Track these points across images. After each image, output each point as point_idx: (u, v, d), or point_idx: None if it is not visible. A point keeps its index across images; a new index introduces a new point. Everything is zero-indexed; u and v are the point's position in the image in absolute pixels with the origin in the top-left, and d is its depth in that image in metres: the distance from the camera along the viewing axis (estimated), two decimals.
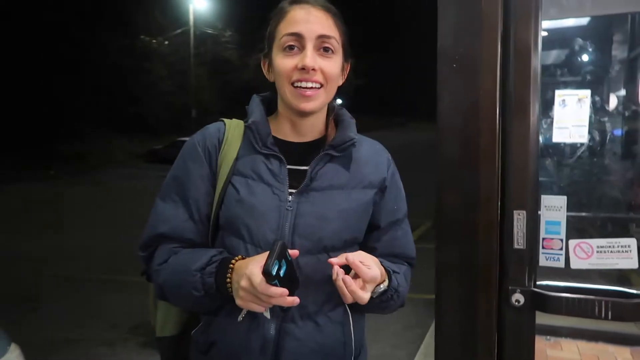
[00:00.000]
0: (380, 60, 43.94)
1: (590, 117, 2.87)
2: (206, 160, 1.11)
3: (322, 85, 1.07)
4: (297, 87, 1.05)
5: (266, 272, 0.88)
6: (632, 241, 1.88)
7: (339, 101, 1.27)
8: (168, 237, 1.09)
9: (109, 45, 23.99)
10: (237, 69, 33.28)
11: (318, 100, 1.08)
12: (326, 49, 1.07)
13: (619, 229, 3.28)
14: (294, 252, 0.97)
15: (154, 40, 28.60)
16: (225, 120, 1.20)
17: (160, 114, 25.74)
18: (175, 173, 1.15)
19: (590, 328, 3.32)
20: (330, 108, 1.21)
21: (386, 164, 1.20)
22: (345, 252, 1.04)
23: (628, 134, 4.66)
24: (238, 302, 0.96)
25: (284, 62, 1.06)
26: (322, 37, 1.06)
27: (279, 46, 1.07)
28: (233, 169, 1.07)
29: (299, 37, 1.04)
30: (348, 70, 1.19)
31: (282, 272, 0.89)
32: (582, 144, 4.35)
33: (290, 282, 0.93)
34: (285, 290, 0.90)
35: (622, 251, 1.79)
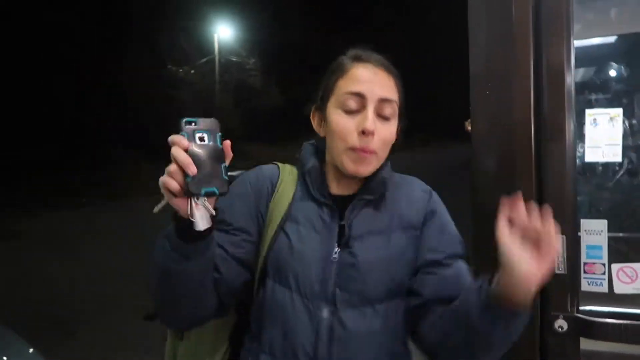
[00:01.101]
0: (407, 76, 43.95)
1: (625, 135, 2.81)
2: (254, 200, 1.10)
3: (376, 152, 1.05)
4: (353, 149, 1.02)
5: (183, 120, 0.83)
6: None
7: None
8: None
9: (138, 74, 24.78)
10: (261, 95, 33.90)
11: (371, 166, 1.06)
12: (385, 115, 1.04)
13: None
14: (226, 143, 0.90)
15: (181, 69, 29.41)
16: (279, 164, 1.21)
17: None
18: (219, 205, 1.12)
19: (635, 353, 3.19)
20: None
21: (424, 200, 1.12)
22: (391, 303, 1.00)
23: None
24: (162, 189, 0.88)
25: (343, 123, 1.02)
26: (383, 101, 1.03)
27: (338, 103, 1.03)
28: (286, 215, 1.05)
29: (361, 97, 1.00)
30: (400, 130, 1.14)
31: (204, 140, 0.81)
32: (619, 164, 4.28)
33: (212, 160, 0.85)
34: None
35: None
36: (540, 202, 1.21)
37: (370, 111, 1.00)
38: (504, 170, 1.23)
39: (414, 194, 1.12)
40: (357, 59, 1.04)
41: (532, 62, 1.23)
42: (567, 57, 1.24)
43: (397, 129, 1.11)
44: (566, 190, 1.20)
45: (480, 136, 1.24)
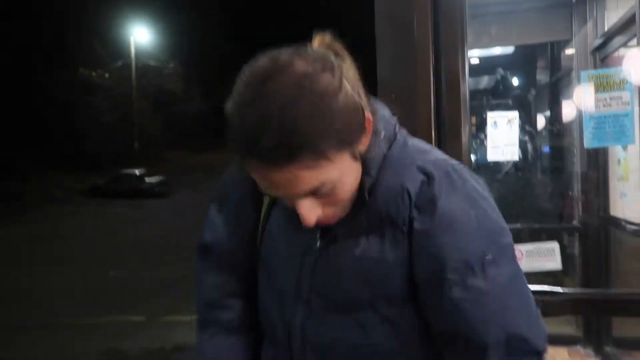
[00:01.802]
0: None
1: (520, 136, 3.10)
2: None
3: (336, 207, 0.79)
4: None
5: None
6: (555, 245, 2.09)
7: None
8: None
9: (46, 78, 23.21)
10: (182, 101, 33.01)
11: (337, 216, 0.80)
12: (320, 192, 0.73)
13: (549, 238, 3.54)
14: None
15: (94, 73, 27.94)
16: None
17: (102, 148, 24.98)
18: None
19: None
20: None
21: (416, 187, 0.77)
22: (379, 312, 0.79)
23: (554, 151, 5.09)
24: None
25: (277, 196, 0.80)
26: (307, 192, 0.72)
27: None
28: (267, 214, 0.90)
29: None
30: (369, 125, 0.77)
31: None
32: (514, 162, 4.66)
33: None
34: None
35: (547, 254, 1.98)
36: None
37: (302, 203, 0.73)
38: None
39: (402, 182, 0.79)
40: (242, 153, 0.72)
41: (432, 70, 1.37)
42: (462, 66, 1.40)
43: (353, 151, 0.75)
44: None
45: None
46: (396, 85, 1.36)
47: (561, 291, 1.44)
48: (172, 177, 22.75)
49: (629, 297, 1.65)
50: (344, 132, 0.71)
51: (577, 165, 3.53)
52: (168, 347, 4.36)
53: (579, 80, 2.17)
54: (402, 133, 0.85)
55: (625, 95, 1.91)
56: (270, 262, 0.89)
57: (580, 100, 2.33)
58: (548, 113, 5.03)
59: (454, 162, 0.82)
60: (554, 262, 1.84)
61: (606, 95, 1.97)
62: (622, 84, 1.92)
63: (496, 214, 0.78)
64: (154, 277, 7.34)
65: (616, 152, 3.11)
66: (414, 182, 0.77)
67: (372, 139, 0.78)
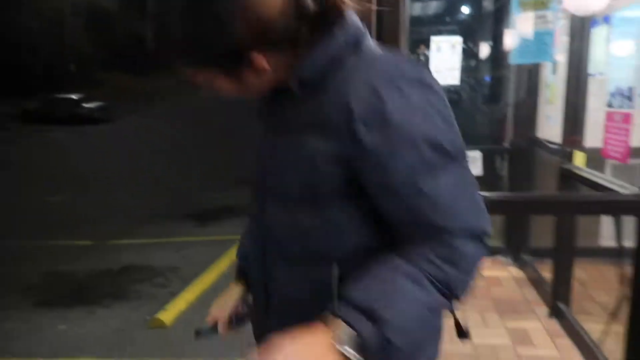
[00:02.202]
0: None
1: (462, 62, 3.16)
2: None
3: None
4: None
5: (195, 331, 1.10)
6: (478, 153, 2.28)
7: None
8: None
9: None
10: (119, 20, 30.77)
11: (264, 87, 0.84)
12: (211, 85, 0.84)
13: (484, 158, 3.77)
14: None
15: None
16: None
17: (34, 72, 23.23)
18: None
19: None
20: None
21: (361, 97, 0.75)
22: (314, 208, 0.82)
23: (494, 78, 5.27)
24: None
25: None
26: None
27: None
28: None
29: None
30: (259, 61, 0.77)
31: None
32: (454, 86, 4.77)
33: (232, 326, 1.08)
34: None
35: (471, 162, 2.17)
36: None
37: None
38: None
39: (352, 90, 0.76)
40: None
41: None
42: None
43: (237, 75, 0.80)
44: None
45: None
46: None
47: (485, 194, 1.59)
48: (112, 101, 21.72)
49: (535, 198, 1.84)
50: (211, 57, 0.78)
51: (511, 91, 3.71)
52: (115, 268, 4.41)
53: (512, 3, 2.23)
54: (368, 43, 0.82)
55: (549, 14, 2.00)
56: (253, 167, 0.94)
57: (513, 21, 2.42)
58: (491, 42, 5.15)
59: (409, 70, 0.78)
60: (477, 169, 2.04)
61: (532, 14, 2.06)
62: (548, 3, 2.01)
63: (446, 123, 0.76)
64: (97, 203, 7.24)
65: (546, 76, 3.28)
66: (361, 96, 0.74)
67: (320, 38, 0.78)
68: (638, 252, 1.44)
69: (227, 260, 4.46)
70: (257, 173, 0.90)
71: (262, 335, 0.92)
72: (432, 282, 0.72)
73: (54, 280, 4.21)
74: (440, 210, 0.73)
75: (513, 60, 2.15)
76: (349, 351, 0.67)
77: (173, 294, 3.69)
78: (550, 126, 3.16)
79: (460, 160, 0.77)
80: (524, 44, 2.08)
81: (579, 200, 1.85)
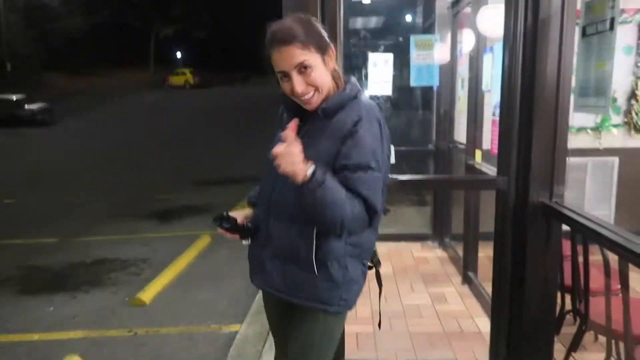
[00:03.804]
0: (225, 13, 42.94)
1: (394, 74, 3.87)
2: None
3: (315, 89, 1.38)
4: (298, 97, 1.40)
5: (213, 219, 1.48)
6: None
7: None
8: None
9: None
10: (61, 17, 29.79)
11: (317, 101, 1.40)
12: (305, 67, 1.35)
13: (414, 158, 4.49)
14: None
15: None
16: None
17: None
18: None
19: (394, 232, 4.63)
20: (336, 76, 1.46)
21: (353, 121, 1.37)
22: None
23: (423, 89, 6.08)
24: None
25: (284, 86, 1.40)
26: (297, 65, 1.34)
27: (277, 74, 1.41)
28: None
29: (284, 72, 1.37)
30: (333, 53, 1.43)
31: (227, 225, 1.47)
32: (388, 97, 5.56)
33: (238, 231, 1.49)
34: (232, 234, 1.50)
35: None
36: None
37: (294, 77, 1.35)
38: None
39: (348, 117, 1.38)
40: (269, 46, 1.38)
41: (319, 14, 1.98)
42: (339, 12, 2.01)
43: (326, 57, 1.40)
44: None
45: None
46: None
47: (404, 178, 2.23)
48: (53, 102, 21.16)
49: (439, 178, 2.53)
50: (317, 42, 1.38)
51: (434, 101, 4.46)
52: (88, 260, 4.78)
53: (410, 43, 3.07)
54: (361, 95, 1.46)
55: (431, 53, 2.78)
56: (268, 158, 1.37)
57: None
58: None
59: (375, 112, 1.42)
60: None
61: (423, 52, 2.81)
62: (431, 45, 2.76)
63: (381, 145, 1.39)
64: (53, 204, 7.44)
65: (458, 90, 4.04)
66: (357, 116, 1.37)
67: (340, 84, 1.46)
68: (496, 217, 2.16)
69: (195, 250, 4.95)
70: (270, 162, 1.34)
71: (256, 261, 1.53)
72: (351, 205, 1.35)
73: (31, 272, 4.54)
74: (366, 189, 1.35)
75: (412, 83, 3.00)
76: (310, 169, 1.28)
77: (147, 280, 4.15)
78: (461, 131, 3.92)
79: (379, 169, 1.37)
80: (418, 71, 2.88)
81: (453, 180, 2.62)
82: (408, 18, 6.49)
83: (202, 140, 14.71)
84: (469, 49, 3.37)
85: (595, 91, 1.56)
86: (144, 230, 5.87)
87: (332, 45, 1.42)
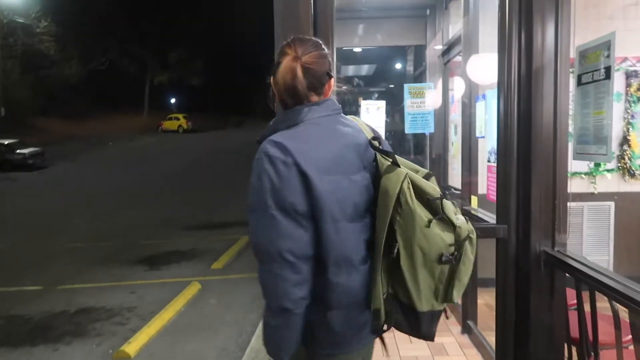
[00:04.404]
0: (219, 58, 43.89)
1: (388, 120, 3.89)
2: None
3: None
4: None
5: None
6: None
7: None
8: None
9: None
10: (57, 64, 30.27)
11: None
12: None
13: None
14: None
15: None
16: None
17: None
18: None
19: None
20: None
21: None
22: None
23: (415, 135, 6.12)
24: None
25: None
26: None
27: None
28: None
29: None
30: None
31: None
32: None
33: None
34: None
35: None
36: None
37: None
38: None
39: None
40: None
41: None
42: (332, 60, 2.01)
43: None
44: None
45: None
46: None
47: None
48: (46, 147, 21.17)
49: None
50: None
51: (427, 147, 4.47)
52: (71, 310, 4.60)
53: (404, 91, 3.09)
54: (276, 130, 1.35)
55: (424, 101, 2.78)
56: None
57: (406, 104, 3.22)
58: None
59: (264, 146, 1.29)
60: None
61: (417, 100, 2.82)
62: (425, 93, 2.78)
63: (259, 180, 1.28)
64: (40, 250, 7.26)
65: (451, 136, 4.05)
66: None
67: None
68: (497, 266, 2.08)
69: (184, 298, 4.78)
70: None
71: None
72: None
73: (12, 322, 4.35)
74: (250, 232, 1.30)
75: (407, 130, 3.01)
76: None
77: (133, 331, 3.98)
78: (455, 176, 3.90)
79: (265, 209, 1.23)
80: (413, 119, 2.87)
81: None
82: (399, 66, 6.62)
83: (193, 184, 14.64)
84: (461, 96, 3.40)
85: (595, 139, 1.54)
86: (131, 277, 5.70)
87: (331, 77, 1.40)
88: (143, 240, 7.73)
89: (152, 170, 18.10)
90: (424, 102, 2.88)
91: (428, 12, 4.19)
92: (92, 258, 6.64)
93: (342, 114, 1.38)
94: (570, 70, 1.84)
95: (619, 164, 4.07)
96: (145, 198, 12.35)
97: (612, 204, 4.09)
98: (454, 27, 3.96)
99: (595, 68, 1.53)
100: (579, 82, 1.65)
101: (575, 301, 2.05)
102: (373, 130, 1.41)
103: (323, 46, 1.37)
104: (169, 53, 38.66)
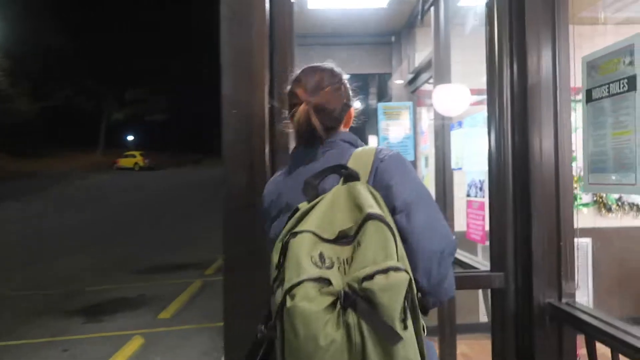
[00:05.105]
0: (177, 97, 43.45)
1: None
2: None
3: None
4: None
5: None
6: None
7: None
8: None
9: None
10: (7, 100, 29.01)
11: None
12: None
13: None
14: None
15: None
16: None
17: None
18: None
19: None
20: None
21: None
22: None
23: None
24: None
25: None
26: None
27: None
28: None
29: None
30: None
31: None
32: None
33: None
34: None
35: None
36: None
37: None
38: (254, 180, 1.61)
39: None
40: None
41: (266, 92, 1.64)
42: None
43: None
44: None
45: (230, 150, 1.62)
46: (237, 102, 1.61)
47: None
48: None
49: None
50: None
51: None
52: None
53: (378, 112, 2.73)
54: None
55: (404, 123, 2.45)
56: None
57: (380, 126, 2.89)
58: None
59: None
60: None
61: (393, 122, 2.49)
62: (403, 114, 2.45)
63: None
64: None
65: (421, 169, 3.77)
66: None
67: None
68: (493, 321, 1.73)
69: (122, 357, 4.18)
70: None
71: None
72: None
73: None
74: None
75: None
76: None
77: None
78: None
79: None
80: (389, 146, 2.51)
81: None
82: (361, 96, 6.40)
83: (148, 224, 13.88)
84: (432, 125, 3.13)
85: (617, 165, 1.24)
86: (68, 331, 5.03)
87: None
88: (89, 286, 7.01)
89: (105, 209, 17.12)
90: (403, 124, 2.52)
91: (393, 38, 3.97)
92: (30, 309, 5.91)
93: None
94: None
95: (595, 198, 3.89)
96: (95, 239, 11.51)
97: (589, 240, 3.88)
98: (421, 54, 3.75)
99: (611, 80, 1.25)
100: (589, 99, 1.36)
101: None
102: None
103: (336, 71, 1.26)
104: (128, 90, 37.98)
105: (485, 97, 1.75)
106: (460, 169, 2.65)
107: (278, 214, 1.20)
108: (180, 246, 10.13)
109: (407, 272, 0.93)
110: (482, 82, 1.77)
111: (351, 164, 1.13)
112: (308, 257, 0.96)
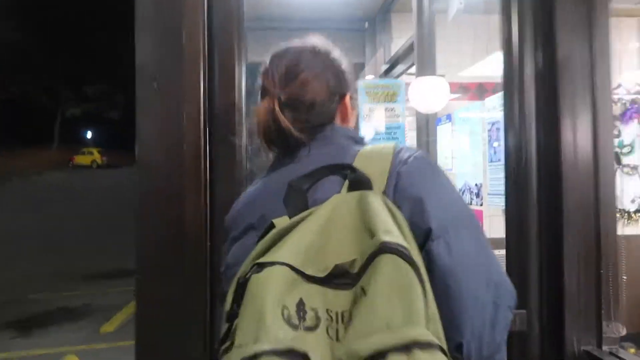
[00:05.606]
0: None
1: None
2: None
3: None
4: None
5: None
6: None
7: None
8: None
9: None
10: None
11: None
12: None
13: None
14: None
15: None
16: None
17: None
18: None
19: None
20: None
21: None
22: None
23: None
24: None
25: None
26: None
27: None
28: None
29: None
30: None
31: None
32: None
33: None
34: None
35: None
36: (212, 210, 1.18)
37: None
38: (172, 178, 1.17)
39: None
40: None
41: (202, 72, 1.20)
42: (239, 72, 1.27)
43: None
44: (234, 193, 1.18)
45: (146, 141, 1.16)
46: (158, 77, 1.16)
47: None
48: None
49: None
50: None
51: None
52: None
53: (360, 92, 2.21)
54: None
55: (398, 107, 2.00)
56: None
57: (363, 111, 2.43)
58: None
59: None
60: None
61: (378, 105, 2.04)
62: (395, 96, 2.00)
63: None
64: None
65: None
66: None
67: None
68: None
69: None
70: None
71: None
72: None
73: None
74: None
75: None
76: None
77: None
78: None
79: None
80: (377, 136, 2.06)
81: None
82: None
83: (103, 226, 13.12)
84: (414, 121, 2.72)
85: None
86: None
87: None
88: (32, 294, 6.38)
89: (57, 210, 16.15)
90: (394, 109, 2.00)
91: (367, 25, 3.57)
92: None
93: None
94: None
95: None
96: (45, 243, 10.72)
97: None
98: (398, 41, 3.36)
99: None
100: None
101: None
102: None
103: (319, 49, 0.93)
104: (86, 86, 36.79)
105: (469, 91, 1.35)
106: (450, 170, 2.25)
107: (244, 231, 0.81)
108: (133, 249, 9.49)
109: (443, 351, 0.54)
110: (465, 75, 1.40)
111: (357, 167, 0.75)
112: (278, 307, 0.59)
